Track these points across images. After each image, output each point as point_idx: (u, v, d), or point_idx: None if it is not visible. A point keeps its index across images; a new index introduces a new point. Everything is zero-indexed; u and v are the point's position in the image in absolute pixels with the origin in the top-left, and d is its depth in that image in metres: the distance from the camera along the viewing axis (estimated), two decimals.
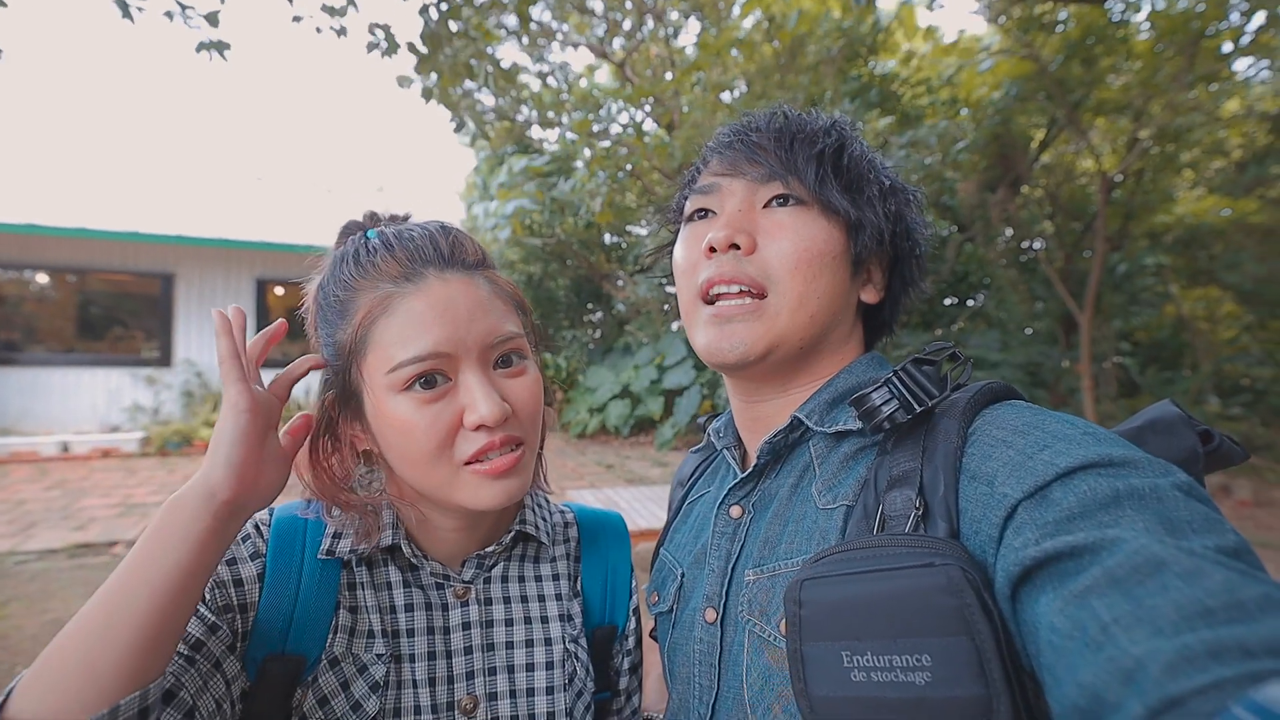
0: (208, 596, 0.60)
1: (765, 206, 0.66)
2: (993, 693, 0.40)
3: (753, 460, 0.68)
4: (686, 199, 0.73)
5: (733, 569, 0.65)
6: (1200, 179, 9.18)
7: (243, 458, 0.56)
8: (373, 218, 0.73)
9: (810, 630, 0.48)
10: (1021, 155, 8.35)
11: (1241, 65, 7.17)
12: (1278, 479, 6.55)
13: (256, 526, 0.67)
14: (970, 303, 10.34)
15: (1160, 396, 8.13)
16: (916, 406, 0.54)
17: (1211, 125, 7.68)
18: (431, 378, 0.61)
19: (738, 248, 0.64)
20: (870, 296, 0.71)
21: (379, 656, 0.64)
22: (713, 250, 0.65)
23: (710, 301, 0.67)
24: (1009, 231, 9.14)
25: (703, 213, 0.70)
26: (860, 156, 0.67)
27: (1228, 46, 6.40)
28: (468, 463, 0.62)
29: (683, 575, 0.73)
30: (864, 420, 0.56)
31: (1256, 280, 8.12)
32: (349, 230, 0.71)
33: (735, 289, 0.64)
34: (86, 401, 8.46)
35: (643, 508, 4.02)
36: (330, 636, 0.63)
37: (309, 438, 0.67)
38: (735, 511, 0.68)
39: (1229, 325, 9.60)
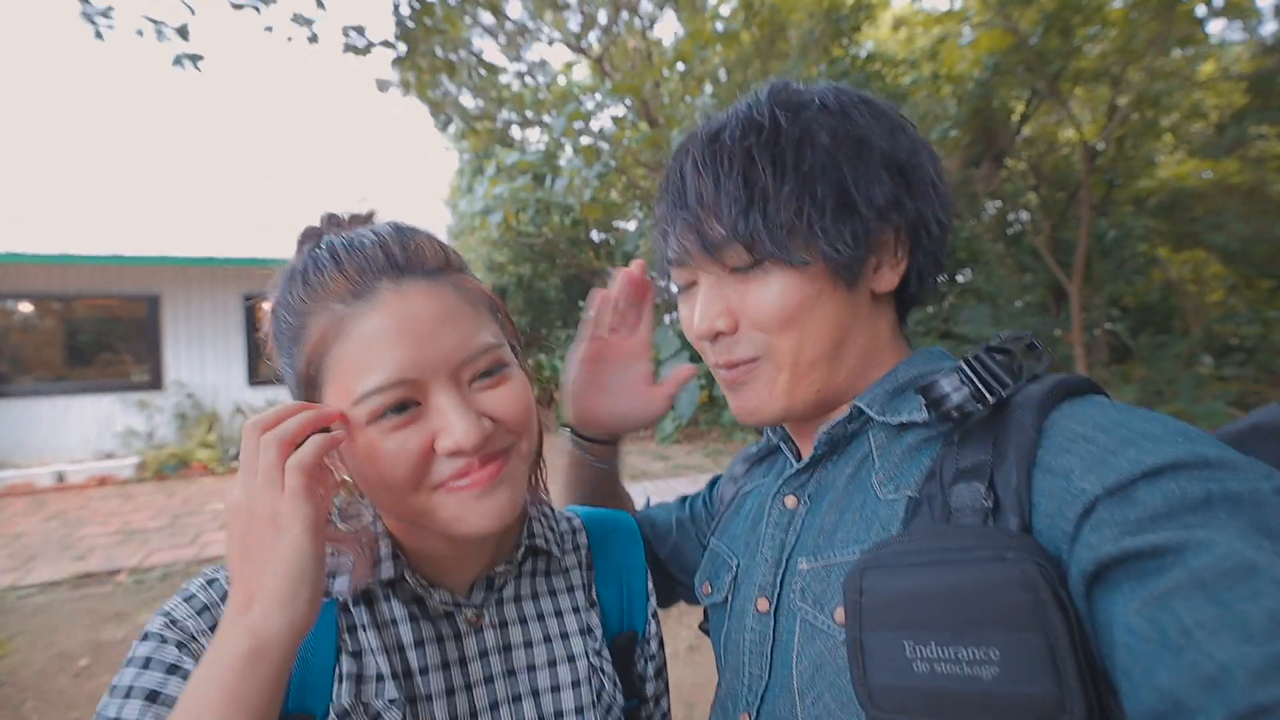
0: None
1: (733, 270, 0.62)
2: (1065, 690, 0.39)
3: (806, 451, 0.67)
4: (669, 270, 0.69)
5: (787, 559, 0.64)
6: (1180, 143, 9.25)
7: (310, 595, 0.48)
8: (331, 221, 0.65)
9: (871, 618, 0.46)
10: (1003, 128, 8.38)
11: (1216, 28, 7.21)
12: None
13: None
14: (959, 278, 10.38)
15: (1154, 361, 8.21)
16: (989, 396, 0.51)
17: (1189, 89, 7.73)
18: (402, 404, 0.55)
19: (722, 334, 0.63)
20: (886, 284, 0.63)
21: (392, 702, 0.59)
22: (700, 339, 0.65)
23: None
24: (995, 205, 9.18)
25: (688, 285, 0.68)
26: (798, 163, 0.57)
27: (1201, 10, 6.43)
28: (441, 486, 0.57)
29: (738, 566, 0.72)
30: (932, 409, 0.53)
31: (1241, 240, 8.19)
32: (306, 238, 0.64)
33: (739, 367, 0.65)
34: (79, 429, 8.36)
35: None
36: (335, 686, 0.58)
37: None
38: (790, 502, 0.66)
39: (1216, 287, 9.68)
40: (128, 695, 0.51)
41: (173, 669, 0.53)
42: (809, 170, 0.57)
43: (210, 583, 0.59)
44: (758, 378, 0.63)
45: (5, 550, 5.14)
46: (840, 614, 0.54)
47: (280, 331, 0.60)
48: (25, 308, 8.42)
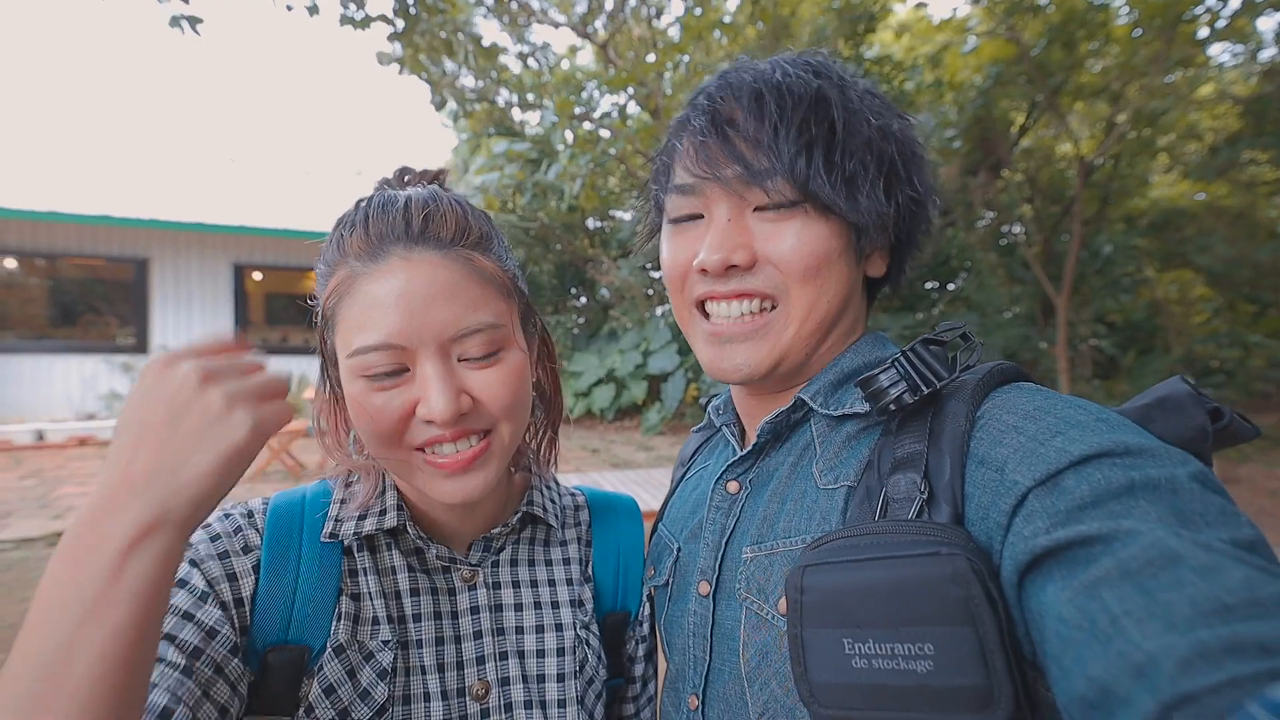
0: (206, 593, 0.56)
1: (757, 210, 0.62)
2: (994, 682, 0.41)
3: (752, 438, 0.68)
4: (666, 195, 0.67)
5: (726, 544, 0.66)
6: (1175, 163, 9.33)
7: (223, 488, 0.45)
8: (402, 176, 0.70)
9: (811, 616, 0.48)
10: (1002, 139, 8.42)
11: (1216, 50, 7.27)
12: (1242, 458, 6.74)
13: (249, 515, 0.63)
14: (950, 286, 10.46)
15: (1137, 378, 8.31)
16: (924, 388, 0.53)
17: (1185, 108, 7.79)
18: (388, 367, 0.59)
19: (736, 266, 0.61)
20: (877, 270, 0.68)
21: (385, 643, 0.62)
22: (705, 270, 0.62)
23: (706, 314, 0.65)
24: (989, 215, 9.23)
25: (689, 216, 0.65)
26: (854, 129, 0.60)
27: (1204, 31, 6.49)
28: (419, 449, 0.61)
29: (679, 549, 0.73)
30: (871, 402, 0.55)
31: (1225, 262, 8.30)
32: (376, 188, 0.68)
33: (737, 311, 0.63)
34: (61, 389, 8.30)
35: (628, 492, 4.03)
36: (334, 624, 0.61)
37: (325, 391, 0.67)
38: (732, 487, 0.68)
39: (1201, 309, 9.82)
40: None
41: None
42: (868, 138, 0.61)
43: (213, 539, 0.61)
44: (768, 333, 0.62)
45: None
46: (784, 605, 0.55)
47: (318, 274, 0.66)
48: (9, 263, 8.31)
